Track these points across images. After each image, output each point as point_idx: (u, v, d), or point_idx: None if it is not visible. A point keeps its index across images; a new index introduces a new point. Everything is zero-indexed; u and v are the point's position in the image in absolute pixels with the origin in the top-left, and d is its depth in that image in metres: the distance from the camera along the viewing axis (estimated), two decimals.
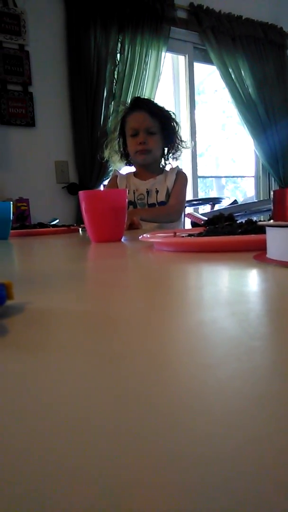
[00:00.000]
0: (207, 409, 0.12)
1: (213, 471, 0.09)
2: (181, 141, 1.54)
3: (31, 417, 0.13)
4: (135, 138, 1.47)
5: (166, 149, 1.56)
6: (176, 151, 1.55)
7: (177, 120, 1.55)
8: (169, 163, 1.60)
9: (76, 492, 0.09)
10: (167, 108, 1.55)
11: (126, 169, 1.67)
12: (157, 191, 1.52)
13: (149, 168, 1.54)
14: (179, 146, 1.54)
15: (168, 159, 1.59)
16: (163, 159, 1.59)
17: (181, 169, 1.60)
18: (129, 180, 1.56)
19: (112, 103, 2.60)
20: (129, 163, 1.61)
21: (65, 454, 0.10)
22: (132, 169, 1.62)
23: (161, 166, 1.60)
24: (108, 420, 0.12)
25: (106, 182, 1.70)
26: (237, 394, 0.13)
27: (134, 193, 1.53)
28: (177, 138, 1.53)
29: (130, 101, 1.56)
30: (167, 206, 1.49)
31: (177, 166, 1.59)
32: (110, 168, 1.66)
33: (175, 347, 0.18)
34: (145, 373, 0.15)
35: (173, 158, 1.58)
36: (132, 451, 0.10)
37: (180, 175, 1.56)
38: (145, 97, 1.82)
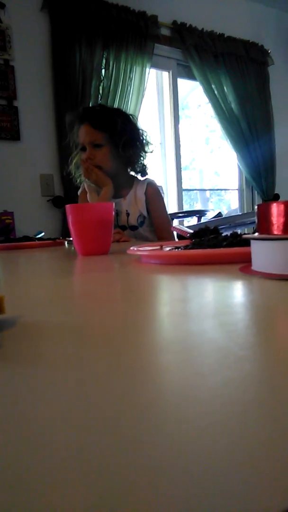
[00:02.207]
0: (201, 415, 0.13)
1: (207, 472, 0.10)
2: (141, 146, 1.38)
3: (24, 431, 0.13)
4: (81, 153, 1.37)
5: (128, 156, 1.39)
6: (137, 159, 1.40)
7: (137, 125, 1.39)
8: (141, 172, 1.45)
9: (73, 503, 0.09)
10: (121, 112, 1.40)
11: None
12: (128, 214, 1.41)
13: (113, 182, 1.38)
14: (141, 152, 1.39)
15: (136, 168, 1.43)
16: (130, 169, 1.44)
17: (151, 180, 1.46)
18: (99, 195, 1.41)
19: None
20: None
21: (59, 464, 0.11)
22: None
23: (130, 175, 1.46)
24: (103, 431, 0.12)
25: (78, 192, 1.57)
26: (229, 400, 0.14)
27: None
28: (134, 145, 1.37)
29: (78, 113, 1.41)
30: (166, 236, 1.39)
31: (146, 179, 1.46)
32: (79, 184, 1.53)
33: (167, 357, 0.19)
34: (139, 383, 0.16)
35: (142, 167, 1.43)
36: (128, 459, 0.11)
37: (151, 192, 1.42)
38: (100, 104, 1.62)
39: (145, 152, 1.41)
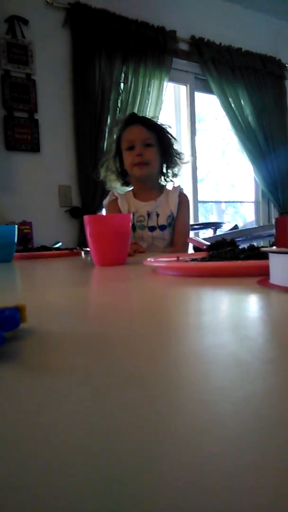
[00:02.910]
0: (224, 429, 0.13)
1: (229, 485, 0.10)
2: (178, 154, 1.52)
3: (42, 438, 0.13)
4: (132, 151, 1.44)
5: (164, 165, 1.53)
6: (175, 165, 1.53)
7: (174, 136, 1.54)
8: (170, 180, 1.56)
9: None
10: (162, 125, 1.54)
11: (122, 189, 1.62)
12: (157, 214, 1.49)
13: (148, 184, 1.51)
14: (177, 160, 1.52)
15: (168, 176, 1.55)
16: (162, 176, 1.55)
17: (182, 189, 1.57)
18: (129, 201, 1.52)
19: (109, 123, 2.61)
20: (125, 183, 1.56)
21: (71, 471, 0.11)
22: (128, 188, 1.58)
23: (161, 183, 1.57)
24: (121, 442, 0.13)
25: (105, 201, 1.61)
26: (252, 415, 0.14)
27: (133, 215, 1.48)
28: (174, 151, 1.51)
29: (126, 117, 1.55)
30: (181, 246, 1.47)
31: (179, 186, 1.56)
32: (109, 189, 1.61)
33: (188, 370, 0.19)
34: (159, 395, 0.16)
35: (173, 175, 1.55)
36: (146, 471, 0.11)
37: (183, 199, 1.54)
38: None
39: (181, 160, 1.53)
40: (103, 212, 1.54)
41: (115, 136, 1.54)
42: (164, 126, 1.51)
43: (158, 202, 1.50)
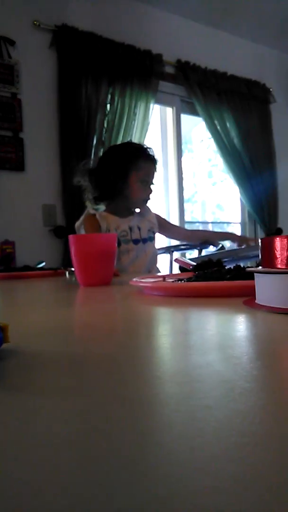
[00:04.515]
0: (207, 446, 0.13)
1: (214, 501, 0.10)
2: None
3: (24, 458, 0.13)
4: (146, 187, 1.55)
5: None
6: None
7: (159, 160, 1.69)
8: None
9: None
10: None
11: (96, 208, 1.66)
12: (139, 228, 1.57)
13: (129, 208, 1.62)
14: None
15: None
16: None
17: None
18: (107, 219, 1.55)
19: (95, 143, 2.65)
20: (100, 200, 1.59)
21: (59, 495, 0.11)
22: (98, 206, 1.63)
23: None
24: (106, 460, 0.12)
25: (77, 223, 1.63)
26: (235, 432, 0.14)
27: (115, 230, 1.52)
28: None
29: (150, 152, 1.60)
30: (190, 231, 1.73)
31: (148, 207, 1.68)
32: (96, 207, 1.63)
33: (172, 389, 0.19)
34: (144, 414, 0.16)
35: None
36: (131, 489, 0.11)
37: (159, 217, 1.71)
38: None
39: None
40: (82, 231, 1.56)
41: (117, 157, 1.56)
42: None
43: (135, 217, 1.60)
